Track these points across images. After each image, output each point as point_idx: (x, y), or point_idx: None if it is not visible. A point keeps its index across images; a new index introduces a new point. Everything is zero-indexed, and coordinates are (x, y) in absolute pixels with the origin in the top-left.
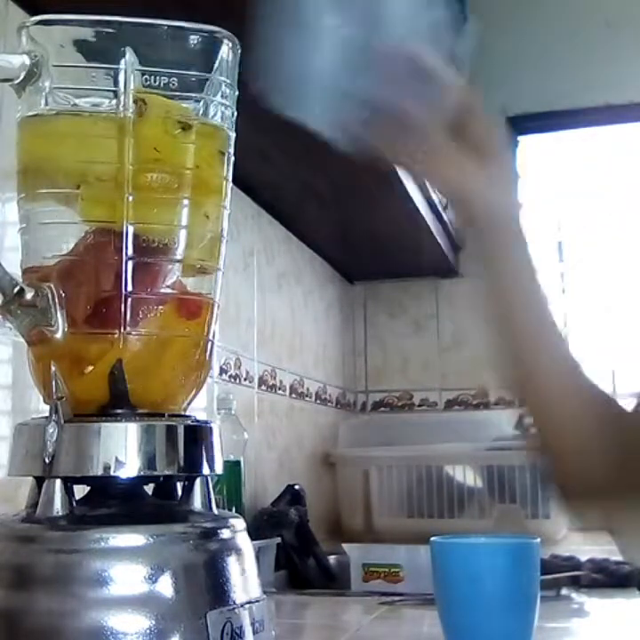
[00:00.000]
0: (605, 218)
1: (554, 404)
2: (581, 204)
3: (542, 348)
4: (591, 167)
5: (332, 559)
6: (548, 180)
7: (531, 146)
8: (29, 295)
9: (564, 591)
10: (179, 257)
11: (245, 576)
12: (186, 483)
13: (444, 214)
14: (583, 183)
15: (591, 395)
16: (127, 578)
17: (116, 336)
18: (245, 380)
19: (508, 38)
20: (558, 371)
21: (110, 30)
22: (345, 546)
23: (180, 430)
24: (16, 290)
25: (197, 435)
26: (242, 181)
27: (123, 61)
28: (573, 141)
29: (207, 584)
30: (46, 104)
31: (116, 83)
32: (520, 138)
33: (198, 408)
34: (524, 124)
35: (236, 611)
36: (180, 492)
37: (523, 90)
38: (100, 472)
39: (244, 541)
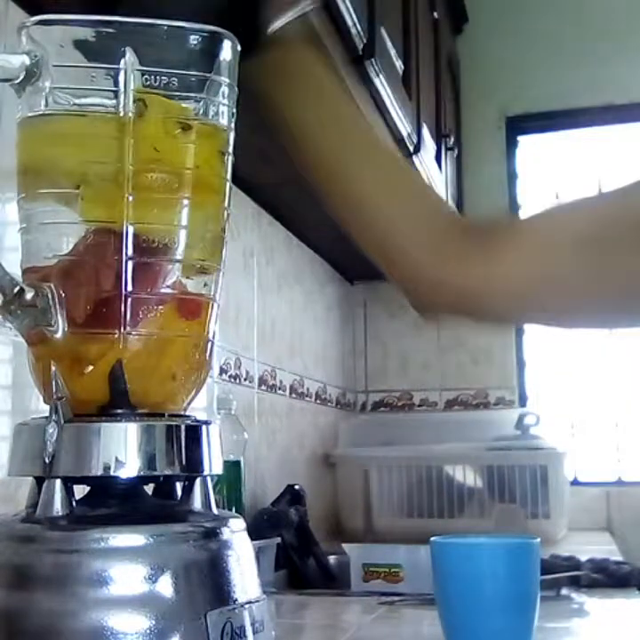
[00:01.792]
0: None
1: (380, 210)
2: None
3: (361, 154)
4: (591, 167)
5: (332, 559)
6: (547, 180)
7: (531, 146)
8: (29, 295)
9: (564, 591)
10: (179, 257)
11: (245, 576)
12: (186, 483)
13: None
14: (583, 183)
15: (420, 196)
16: (127, 578)
17: (115, 336)
18: (245, 380)
19: (508, 38)
20: (382, 177)
21: (110, 30)
22: (345, 546)
23: (180, 430)
24: (16, 290)
25: (197, 435)
26: (242, 181)
27: (123, 61)
28: (573, 141)
29: (207, 584)
30: (46, 104)
31: (116, 83)
32: (520, 138)
33: (198, 408)
34: (524, 123)
35: (236, 611)
36: (179, 492)
37: (523, 90)
38: (100, 472)
39: (243, 541)
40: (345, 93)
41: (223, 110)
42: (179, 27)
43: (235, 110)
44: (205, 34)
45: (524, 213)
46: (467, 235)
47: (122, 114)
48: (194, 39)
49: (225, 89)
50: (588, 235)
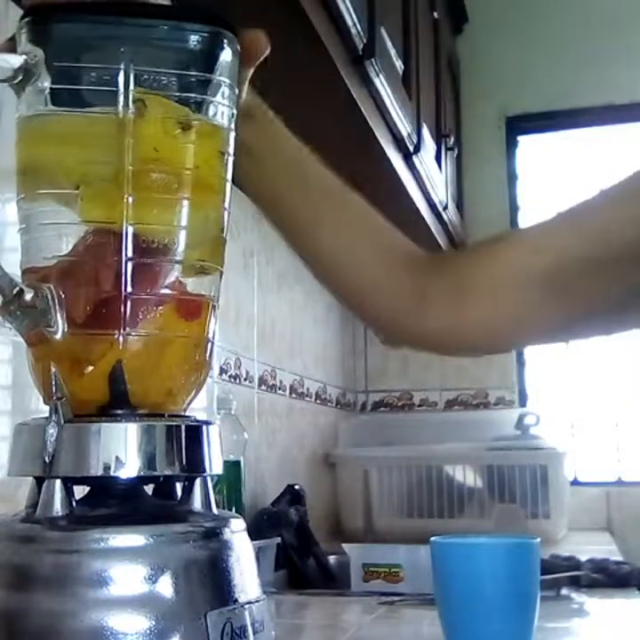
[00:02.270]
0: None
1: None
2: None
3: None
4: (591, 167)
5: (332, 559)
6: (548, 180)
7: (531, 146)
8: (29, 296)
9: (564, 591)
10: (178, 257)
11: (245, 576)
12: (186, 483)
13: (443, 214)
14: (583, 183)
15: (381, 242)
16: (127, 578)
17: (115, 337)
18: (245, 380)
19: (508, 38)
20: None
21: (110, 30)
22: (345, 546)
23: (180, 430)
24: (16, 291)
25: (197, 435)
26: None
27: (123, 61)
28: (573, 141)
29: (207, 584)
30: (46, 104)
31: (115, 83)
32: (520, 138)
33: (198, 408)
34: (524, 123)
35: (236, 611)
36: (179, 492)
37: (523, 90)
38: (100, 472)
39: (244, 541)
40: (302, 149)
41: (223, 110)
42: (179, 27)
43: (235, 110)
44: (205, 34)
45: (487, 244)
46: (432, 275)
47: (121, 114)
48: (194, 39)
49: (225, 89)
50: (552, 271)
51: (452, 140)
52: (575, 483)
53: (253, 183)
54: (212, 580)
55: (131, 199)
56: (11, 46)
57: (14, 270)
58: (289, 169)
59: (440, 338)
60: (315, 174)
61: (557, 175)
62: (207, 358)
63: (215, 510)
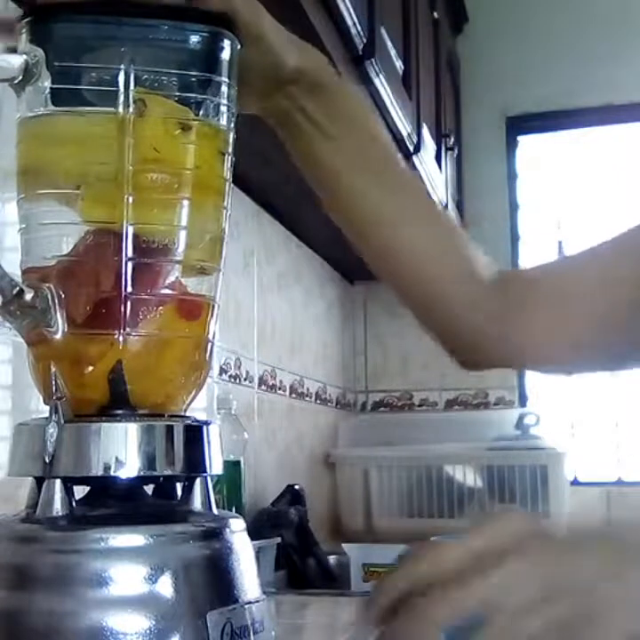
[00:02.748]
0: (605, 218)
1: (421, 271)
2: (581, 204)
3: (400, 201)
4: (591, 167)
5: (331, 559)
6: (548, 180)
7: (531, 146)
8: (29, 296)
9: None
10: (179, 257)
11: (245, 576)
12: (186, 483)
13: None
14: (583, 183)
15: (457, 254)
16: (127, 578)
17: (115, 337)
18: (245, 380)
19: (508, 38)
20: (422, 231)
21: (110, 30)
22: (345, 546)
23: (180, 430)
24: (16, 291)
25: (197, 435)
26: (242, 181)
27: (123, 61)
28: (573, 141)
29: (207, 584)
30: (46, 104)
31: (116, 83)
32: (520, 138)
33: (198, 408)
34: (524, 124)
35: (236, 611)
36: (179, 492)
37: (523, 90)
38: (100, 472)
39: (243, 541)
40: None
41: (223, 110)
42: (179, 27)
43: (235, 110)
44: (205, 34)
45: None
46: (510, 290)
47: (122, 114)
48: (194, 39)
49: (225, 89)
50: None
51: (452, 139)
52: (575, 483)
53: (320, 163)
54: (211, 580)
55: (131, 199)
56: None
57: (14, 270)
58: (365, 155)
59: (517, 351)
60: (394, 168)
61: (557, 175)
62: (207, 358)
63: (215, 510)
